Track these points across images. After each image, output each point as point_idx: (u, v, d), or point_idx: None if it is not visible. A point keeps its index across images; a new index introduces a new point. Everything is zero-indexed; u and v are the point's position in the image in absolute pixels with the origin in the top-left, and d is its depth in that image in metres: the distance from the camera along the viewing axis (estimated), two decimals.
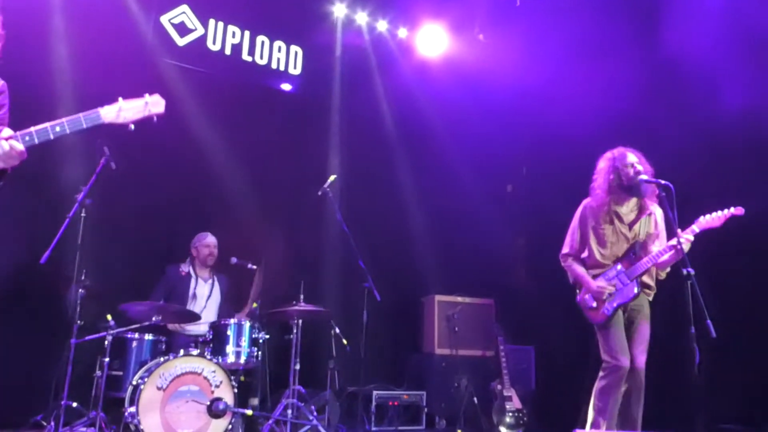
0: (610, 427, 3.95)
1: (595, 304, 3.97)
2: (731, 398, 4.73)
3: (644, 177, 3.79)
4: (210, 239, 5.31)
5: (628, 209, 4.10)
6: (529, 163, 7.43)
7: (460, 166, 7.07)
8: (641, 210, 4.09)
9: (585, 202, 4.23)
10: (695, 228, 3.82)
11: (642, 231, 4.07)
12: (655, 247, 3.99)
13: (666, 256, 3.85)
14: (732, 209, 3.82)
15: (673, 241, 3.70)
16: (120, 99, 2.58)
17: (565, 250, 4.24)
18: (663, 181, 3.67)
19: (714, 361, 3.53)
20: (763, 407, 4.67)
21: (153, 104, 2.64)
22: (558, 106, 6.24)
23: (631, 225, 4.08)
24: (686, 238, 3.74)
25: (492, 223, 7.18)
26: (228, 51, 6.48)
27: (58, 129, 2.39)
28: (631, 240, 4.06)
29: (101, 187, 4.29)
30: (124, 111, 2.56)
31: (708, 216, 3.85)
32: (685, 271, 3.41)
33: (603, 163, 4.13)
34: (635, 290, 3.93)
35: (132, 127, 2.60)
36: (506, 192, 7.69)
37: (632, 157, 4.01)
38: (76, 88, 5.28)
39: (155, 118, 2.67)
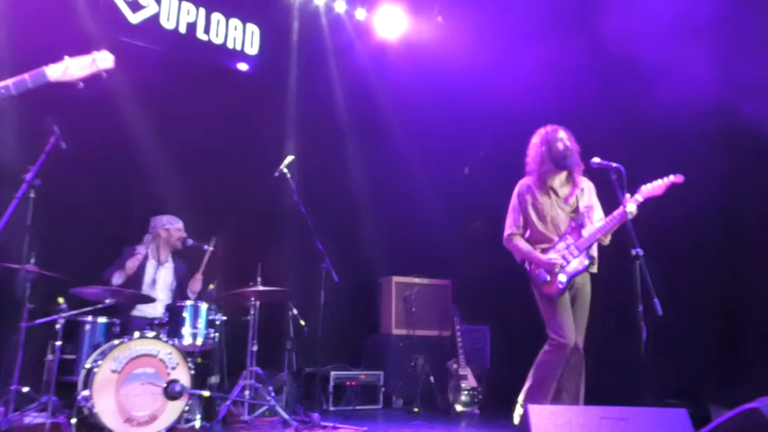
0: (544, 400, 4.07)
1: (549, 278, 4.04)
2: (676, 374, 4.91)
3: (596, 160, 3.86)
4: (181, 225, 5.24)
5: (560, 183, 4.21)
6: (486, 146, 7.50)
7: (418, 149, 7.10)
8: (573, 184, 4.21)
9: (521, 181, 4.32)
10: (638, 197, 3.94)
11: (579, 204, 4.18)
12: (597, 220, 4.11)
13: (612, 225, 3.97)
14: (672, 177, 3.97)
15: (620, 209, 3.82)
16: (66, 57, 2.52)
17: (508, 231, 4.26)
18: (614, 164, 3.77)
19: (660, 339, 3.65)
20: (706, 382, 4.86)
21: (101, 60, 2.59)
22: (513, 89, 6.30)
23: (566, 199, 4.19)
24: (631, 206, 3.84)
25: (449, 206, 7.26)
26: (183, 29, 6.34)
27: (3, 91, 2.33)
28: (569, 213, 4.16)
29: (51, 167, 4.17)
30: (71, 69, 2.50)
31: (650, 185, 3.98)
32: (634, 252, 3.52)
33: (536, 138, 4.28)
34: (586, 261, 4.03)
35: (81, 85, 2.54)
36: (463, 174, 7.76)
37: (562, 134, 4.18)
38: (20, 70, 5.08)
39: (104, 74, 2.60)
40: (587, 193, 4.24)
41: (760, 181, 4.83)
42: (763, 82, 4.62)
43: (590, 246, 4.05)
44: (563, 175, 4.21)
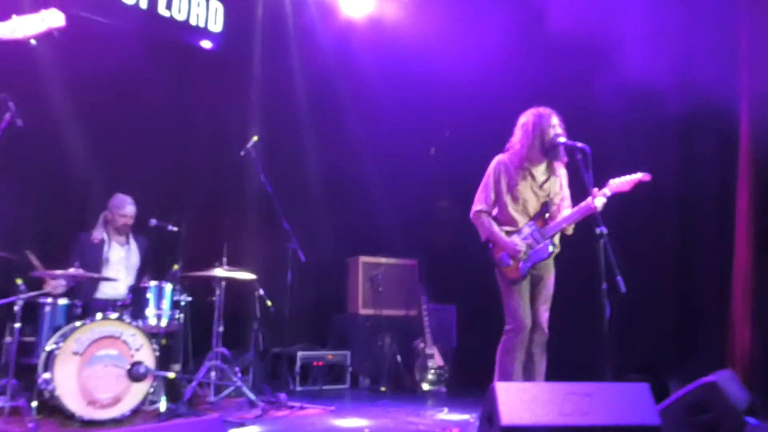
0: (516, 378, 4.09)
1: (512, 262, 4.03)
2: (637, 350, 5.03)
3: (562, 139, 3.88)
4: (129, 209, 4.94)
5: (540, 171, 4.11)
6: (451, 126, 7.51)
7: (383, 129, 7.07)
8: (551, 172, 4.13)
9: (499, 158, 4.17)
10: (607, 191, 3.90)
11: (552, 191, 4.11)
12: (565, 209, 4.07)
13: (579, 216, 3.93)
14: (640, 174, 3.93)
15: (588, 200, 3.80)
16: (14, 15, 2.44)
17: (478, 206, 4.14)
18: (580, 144, 3.78)
19: (620, 316, 3.72)
20: (665, 357, 4.99)
21: (51, 18, 2.51)
22: (478, 69, 6.31)
23: (542, 185, 4.10)
24: (599, 201, 3.82)
25: (416, 186, 7.26)
26: (144, 4, 6.16)
27: None
28: (542, 199, 4.09)
29: (7, 146, 4.04)
30: (20, 27, 2.42)
31: (618, 180, 3.94)
32: (598, 230, 3.54)
33: (527, 119, 4.09)
34: (549, 249, 3.99)
35: (33, 42, 2.46)
36: (429, 154, 7.77)
37: (555, 120, 4.04)
38: None
39: (56, 33, 2.53)
40: (559, 182, 4.18)
41: (717, 166, 4.95)
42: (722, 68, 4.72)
43: (555, 234, 4.01)
44: (545, 163, 4.11)
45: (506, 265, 4.01)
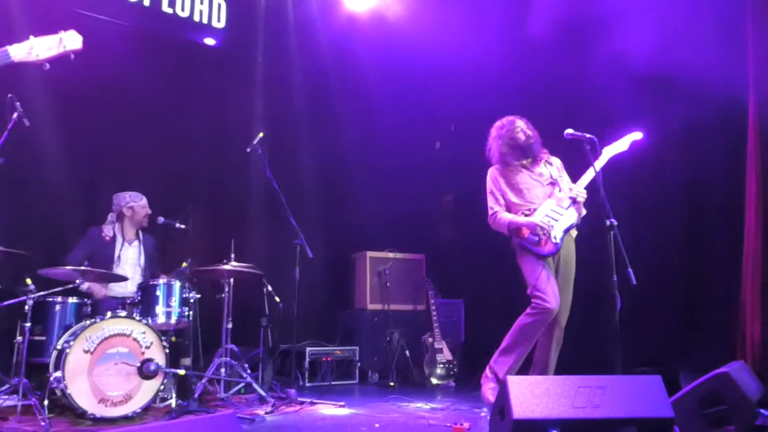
0: (517, 363, 4.18)
1: (537, 238, 4.12)
2: (645, 342, 5.02)
3: (570, 131, 3.88)
4: (145, 201, 5.08)
5: (529, 163, 4.41)
6: (456, 120, 7.49)
7: (389, 123, 7.05)
8: (541, 162, 4.43)
9: (490, 169, 4.51)
10: (603, 159, 4.15)
11: (553, 174, 4.36)
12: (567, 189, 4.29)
13: (586, 180, 4.18)
14: (632, 134, 4.25)
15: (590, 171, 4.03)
16: (31, 37, 2.43)
17: (491, 211, 4.42)
18: (588, 135, 3.81)
19: (630, 308, 3.72)
20: (674, 349, 4.98)
21: (68, 41, 2.50)
22: (484, 62, 6.29)
23: (536, 171, 4.39)
24: (599, 162, 3.99)
25: (421, 180, 7.26)
26: (147, 2, 6.16)
27: None
28: (543, 182, 4.34)
29: (14, 146, 4.04)
30: (36, 49, 2.41)
31: (611, 145, 4.23)
32: (608, 222, 3.56)
33: (494, 132, 4.49)
34: (574, 216, 4.19)
35: (47, 66, 2.46)
36: (435, 148, 7.75)
37: (520, 122, 4.38)
38: None
39: (72, 56, 2.52)
40: (555, 167, 4.44)
41: (725, 156, 4.91)
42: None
43: (573, 202, 4.19)
44: (530, 159, 4.41)
45: (536, 242, 4.15)
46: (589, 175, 4.13)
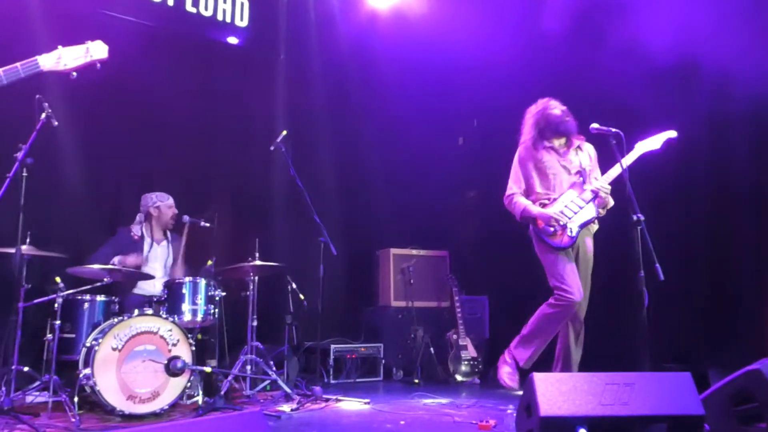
0: (536, 353, 4.17)
1: (552, 230, 4.08)
2: (672, 339, 4.95)
3: (595, 125, 3.84)
4: (172, 201, 5.13)
5: (560, 144, 4.31)
6: (479, 115, 7.44)
7: (412, 119, 7.03)
8: (573, 145, 4.32)
9: (520, 148, 4.41)
10: (634, 154, 4.07)
11: (582, 163, 4.26)
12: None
13: (612, 176, 4.10)
14: (667, 132, 4.11)
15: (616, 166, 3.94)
16: (59, 47, 2.47)
17: (509, 191, 4.36)
18: (613, 129, 3.75)
19: (657, 304, 3.66)
20: (702, 346, 4.90)
21: (95, 50, 2.55)
22: (506, 56, 6.24)
23: (566, 156, 4.28)
24: (628, 158, 3.92)
25: (444, 176, 7.23)
26: (171, 1, 6.21)
27: None
28: (571, 170, 4.24)
29: (43, 146, 4.10)
30: (64, 58, 2.47)
31: (644, 141, 4.12)
32: (635, 217, 3.52)
33: (528, 114, 4.39)
34: (594, 211, 4.13)
35: (74, 74, 2.50)
36: (458, 145, 7.71)
37: (555, 102, 4.31)
38: (4, 45, 4.96)
39: (99, 65, 2.57)
40: (587, 155, 4.34)
41: (751, 150, 4.82)
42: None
43: (595, 197, 4.12)
44: (563, 140, 4.30)
45: (551, 233, 4.10)
46: (615, 170, 4.05)
